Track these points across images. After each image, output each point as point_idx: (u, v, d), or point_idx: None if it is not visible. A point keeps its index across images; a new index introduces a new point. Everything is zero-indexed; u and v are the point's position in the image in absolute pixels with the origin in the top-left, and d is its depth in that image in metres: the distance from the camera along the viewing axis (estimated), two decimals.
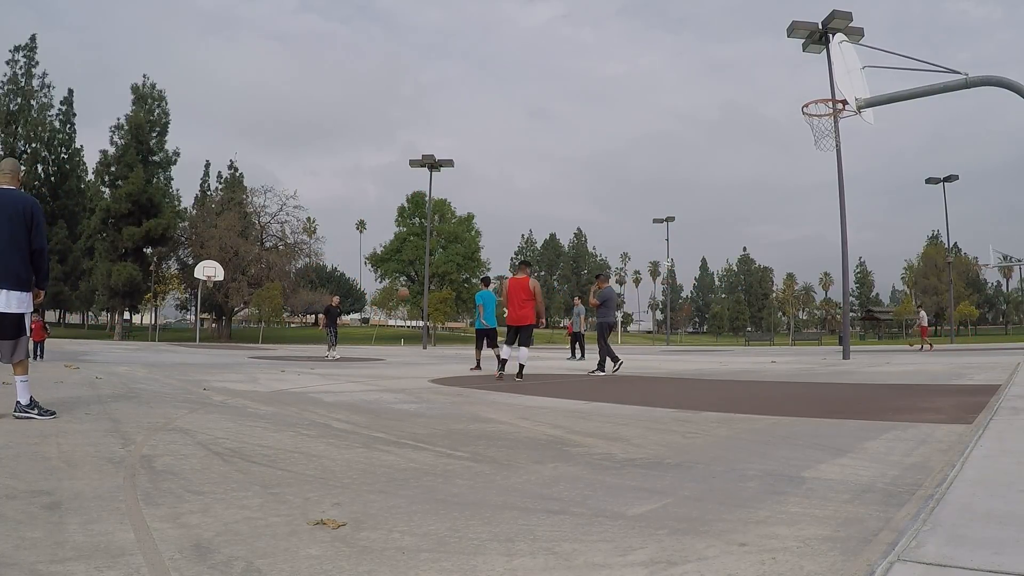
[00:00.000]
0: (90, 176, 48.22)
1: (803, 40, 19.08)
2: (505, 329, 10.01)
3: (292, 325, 75.50)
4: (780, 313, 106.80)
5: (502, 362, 9.28)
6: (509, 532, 2.01)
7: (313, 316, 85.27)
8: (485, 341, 12.01)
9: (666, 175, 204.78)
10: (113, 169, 43.69)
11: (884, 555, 1.71)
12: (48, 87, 45.62)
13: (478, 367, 11.76)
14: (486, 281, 13.03)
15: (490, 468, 3.02)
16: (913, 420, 4.52)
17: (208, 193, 57.25)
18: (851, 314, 30.01)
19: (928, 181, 42.11)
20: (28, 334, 4.48)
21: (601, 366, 10.89)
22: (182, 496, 2.41)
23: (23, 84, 44.33)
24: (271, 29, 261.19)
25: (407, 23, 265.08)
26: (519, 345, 9.40)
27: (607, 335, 11.28)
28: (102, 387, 6.98)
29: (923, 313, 27.73)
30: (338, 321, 18.06)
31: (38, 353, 13.68)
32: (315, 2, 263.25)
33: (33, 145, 44.58)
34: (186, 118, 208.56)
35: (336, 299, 18.97)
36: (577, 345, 18.02)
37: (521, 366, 9.24)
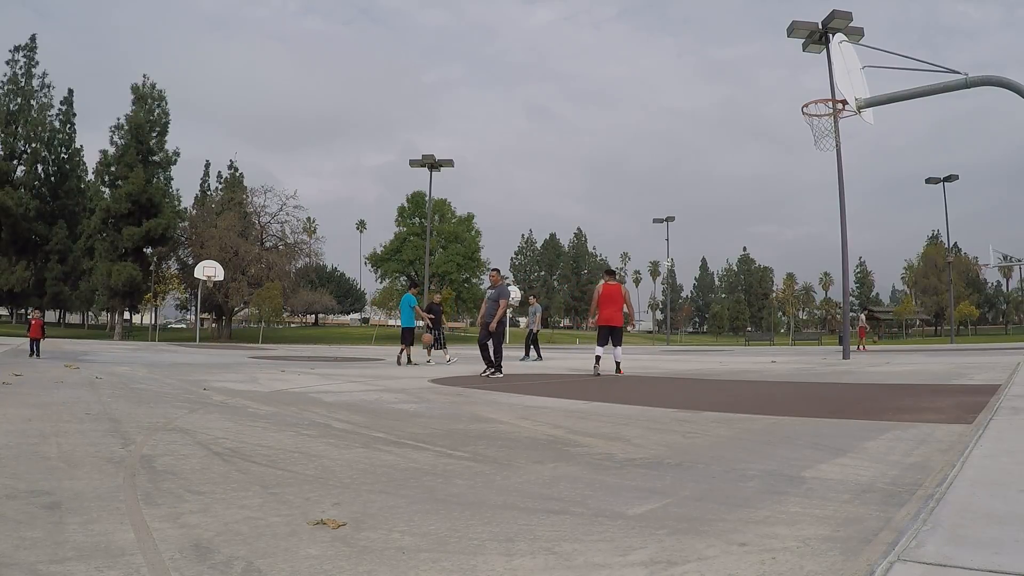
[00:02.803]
0: (90, 176, 48.29)
1: (803, 40, 19.07)
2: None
3: (292, 325, 75.50)
4: (780, 313, 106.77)
5: (598, 359, 10.37)
6: (509, 532, 2.02)
7: (313, 316, 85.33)
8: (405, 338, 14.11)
9: (666, 175, 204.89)
10: (113, 169, 43.68)
11: (884, 555, 1.71)
12: (48, 87, 45.69)
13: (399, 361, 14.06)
14: (412, 285, 15.50)
15: (490, 468, 3.02)
16: (913, 420, 4.53)
17: (208, 193, 57.29)
18: (851, 314, 30.09)
19: (928, 181, 42.15)
20: None
21: (499, 367, 10.25)
22: (182, 496, 2.41)
23: (23, 84, 44.36)
24: (273, 30, 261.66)
25: (409, 25, 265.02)
26: (614, 345, 10.43)
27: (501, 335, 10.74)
28: (102, 387, 6.98)
29: (863, 316, 29.03)
30: (442, 321, 16.01)
31: (34, 351, 13.82)
32: (317, 4, 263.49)
33: (33, 145, 44.60)
34: (186, 118, 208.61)
35: (438, 296, 17.12)
36: (532, 346, 17.36)
37: (618, 363, 10.30)
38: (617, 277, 11.30)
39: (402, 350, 13.94)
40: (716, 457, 3.28)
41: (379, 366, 13.23)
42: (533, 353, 17.14)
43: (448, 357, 15.07)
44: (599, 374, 10.12)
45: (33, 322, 15.05)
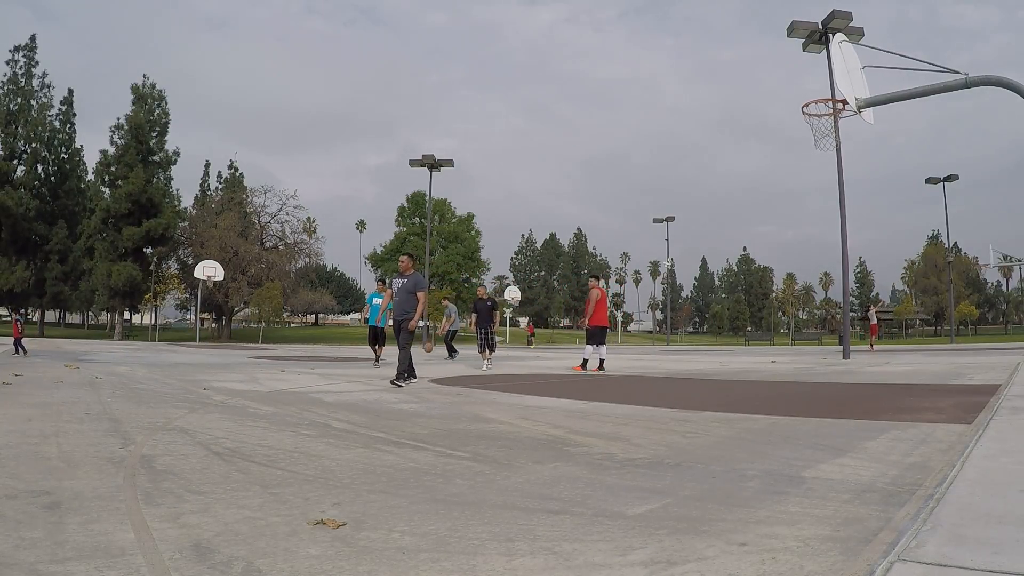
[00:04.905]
0: (90, 176, 48.20)
1: (803, 40, 19.05)
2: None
3: (292, 325, 75.48)
4: (780, 313, 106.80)
5: (601, 361, 11.20)
6: (509, 532, 2.02)
7: (313, 316, 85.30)
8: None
9: (666, 175, 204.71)
10: (113, 169, 43.64)
11: (884, 555, 1.71)
12: (48, 87, 45.58)
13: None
14: (380, 280, 14.63)
15: (490, 468, 3.02)
16: (913, 420, 4.53)
17: (208, 193, 57.21)
18: (851, 314, 30.01)
19: (928, 181, 42.09)
20: None
21: (404, 375, 8.11)
22: (182, 496, 2.41)
23: (23, 84, 44.30)
24: (274, 31, 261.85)
25: (410, 26, 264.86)
26: (599, 344, 11.36)
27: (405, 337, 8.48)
28: (102, 387, 6.98)
29: (873, 312, 28.89)
30: (493, 319, 12.87)
31: (19, 349, 14.68)
32: (319, 5, 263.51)
33: (33, 145, 44.54)
34: (186, 118, 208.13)
35: (482, 289, 13.85)
36: (449, 347, 17.04)
37: (601, 360, 11.21)
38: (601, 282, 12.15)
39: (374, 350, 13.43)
40: (716, 457, 3.28)
41: (379, 366, 13.22)
42: (455, 352, 17.04)
43: (487, 364, 12.37)
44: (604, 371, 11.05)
45: (14, 322, 16.48)
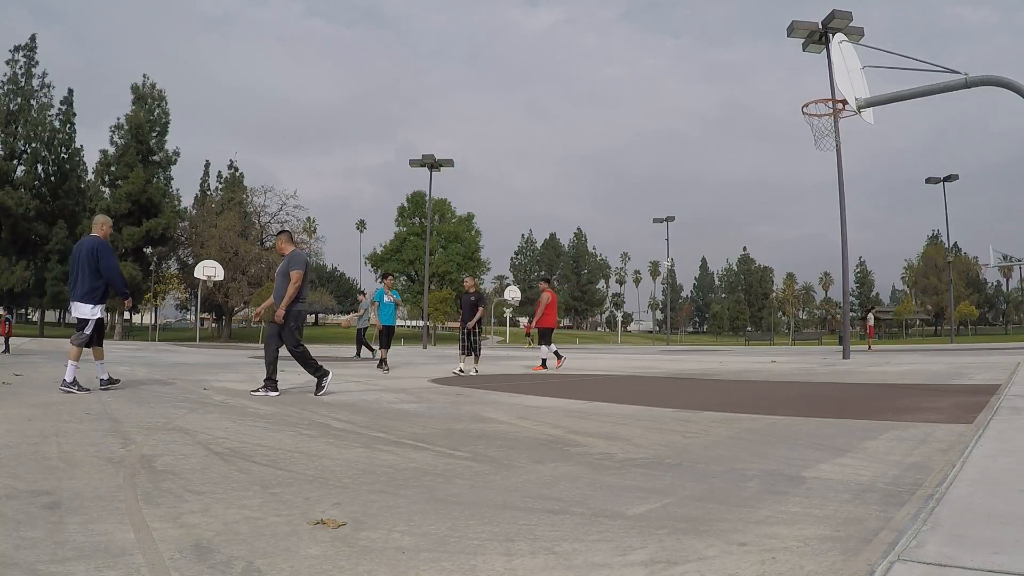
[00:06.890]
0: (90, 176, 48.19)
1: (803, 40, 19.07)
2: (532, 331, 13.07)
3: None
4: (780, 313, 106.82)
5: (544, 361, 12.18)
6: (509, 532, 2.02)
7: (313, 316, 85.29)
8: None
9: (666, 175, 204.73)
10: (113, 169, 43.71)
11: (884, 555, 1.71)
12: (48, 87, 45.52)
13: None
14: (384, 276, 13.42)
15: (490, 468, 3.02)
16: (913, 420, 4.53)
17: (208, 193, 57.22)
18: (851, 314, 29.99)
19: (928, 181, 42.09)
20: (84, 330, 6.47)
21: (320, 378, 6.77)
22: (182, 496, 2.41)
23: (23, 84, 44.28)
24: (274, 31, 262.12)
25: (411, 27, 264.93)
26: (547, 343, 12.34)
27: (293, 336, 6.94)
28: None
29: (871, 315, 29.18)
30: (478, 316, 11.02)
31: (7, 347, 15.69)
32: (321, 7, 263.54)
33: (33, 145, 44.51)
34: (186, 118, 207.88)
35: (468, 281, 11.82)
36: (364, 345, 16.67)
37: (544, 360, 12.25)
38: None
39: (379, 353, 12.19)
40: (716, 457, 3.28)
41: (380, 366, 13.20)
42: (366, 351, 16.51)
43: (474, 367, 10.89)
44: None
45: (3, 320, 17.33)
